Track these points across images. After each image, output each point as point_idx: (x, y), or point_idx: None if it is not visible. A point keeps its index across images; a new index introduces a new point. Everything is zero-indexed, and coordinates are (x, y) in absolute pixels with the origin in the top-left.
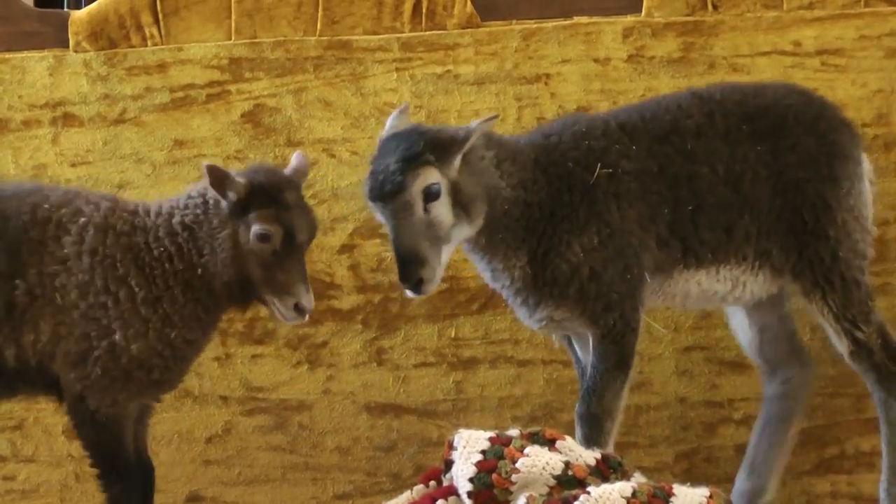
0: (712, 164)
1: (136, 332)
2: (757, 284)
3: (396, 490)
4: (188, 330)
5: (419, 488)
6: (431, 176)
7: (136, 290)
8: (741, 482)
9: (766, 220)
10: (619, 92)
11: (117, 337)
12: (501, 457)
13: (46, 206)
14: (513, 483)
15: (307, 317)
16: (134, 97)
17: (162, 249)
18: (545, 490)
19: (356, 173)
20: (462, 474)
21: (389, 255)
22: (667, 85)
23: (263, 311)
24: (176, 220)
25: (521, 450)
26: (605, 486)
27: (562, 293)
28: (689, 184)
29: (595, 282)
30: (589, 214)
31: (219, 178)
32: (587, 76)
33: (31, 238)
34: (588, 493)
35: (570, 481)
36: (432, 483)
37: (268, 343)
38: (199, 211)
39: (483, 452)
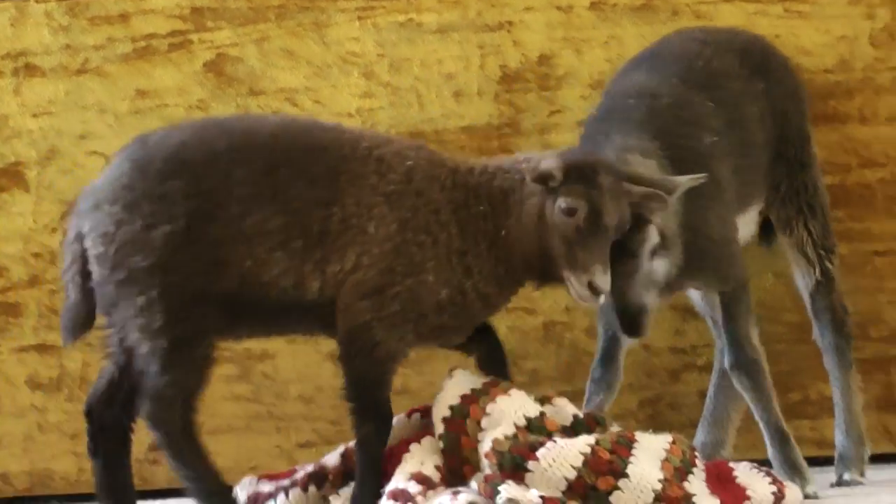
0: (751, 103)
1: (446, 278)
2: (756, 220)
3: None
4: (483, 283)
5: (401, 418)
6: (654, 234)
7: (453, 238)
8: (701, 435)
9: (770, 153)
10: (582, 40)
11: (430, 277)
12: (486, 393)
13: (366, 144)
14: (487, 414)
15: (602, 298)
16: (96, 47)
17: (480, 208)
18: (511, 431)
19: None
20: (445, 400)
21: None
22: (630, 33)
23: None
24: (497, 182)
25: (506, 391)
26: (572, 438)
27: (702, 265)
28: (741, 127)
29: (727, 246)
30: (712, 185)
31: (544, 179)
32: (550, 24)
33: (351, 170)
34: (554, 441)
35: (539, 428)
36: (415, 415)
37: None
38: (516, 177)
39: (473, 390)
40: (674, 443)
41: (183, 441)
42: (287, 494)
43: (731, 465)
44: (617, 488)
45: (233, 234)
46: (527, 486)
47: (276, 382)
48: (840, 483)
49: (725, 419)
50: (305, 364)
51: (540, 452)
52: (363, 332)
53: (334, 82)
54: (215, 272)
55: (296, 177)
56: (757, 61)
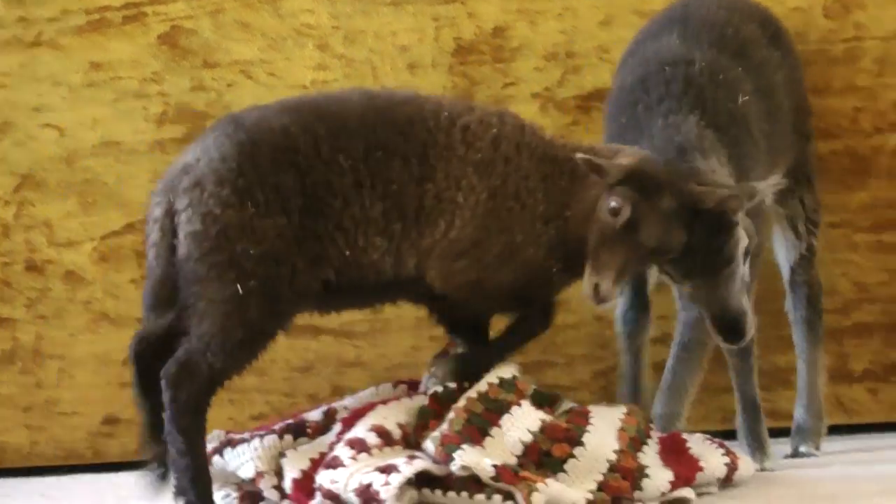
0: (774, 71)
1: (533, 240)
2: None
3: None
4: (557, 260)
5: (386, 386)
6: (743, 235)
7: (539, 203)
8: (658, 407)
9: (792, 120)
10: (536, 11)
11: (518, 238)
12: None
13: (446, 113)
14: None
15: (604, 305)
16: (50, 20)
17: (562, 183)
18: (484, 388)
19: (273, 94)
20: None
21: None
22: (584, 4)
23: None
24: (580, 164)
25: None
26: (516, 410)
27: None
28: (769, 93)
29: (763, 203)
30: (752, 144)
31: (599, 170)
32: None
33: (439, 142)
34: (520, 405)
35: (510, 385)
36: (402, 386)
37: None
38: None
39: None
40: (629, 413)
41: (192, 415)
42: (262, 439)
43: (685, 436)
44: (572, 456)
45: (334, 227)
46: (483, 448)
47: None
48: (795, 455)
49: (683, 392)
50: None
51: (503, 419)
52: (473, 289)
53: (289, 54)
54: (316, 267)
55: (390, 158)
56: (773, 31)
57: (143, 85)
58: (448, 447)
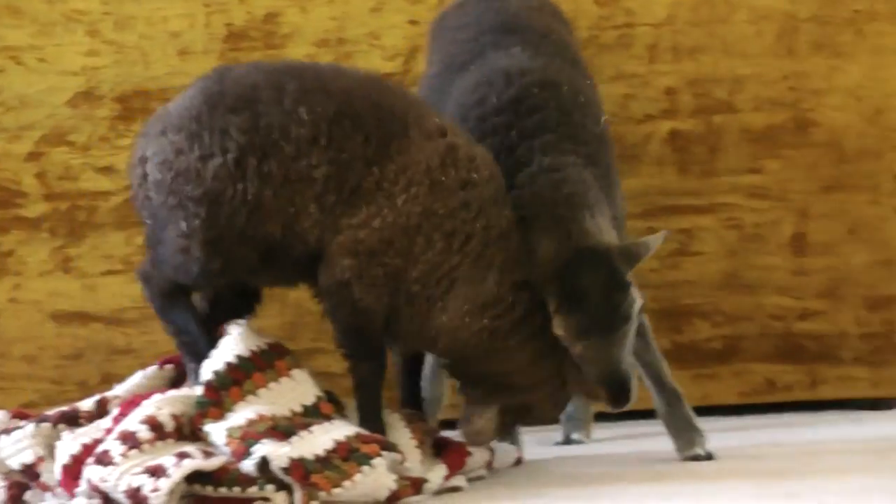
0: (571, 55)
1: (417, 284)
2: None
3: (84, 398)
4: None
5: (153, 369)
6: (636, 294)
7: (456, 272)
8: (426, 392)
9: None
10: None
11: (412, 275)
12: (262, 369)
13: (439, 120)
14: (256, 396)
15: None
16: None
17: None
18: (287, 412)
19: (44, 80)
20: (214, 360)
21: (76, 162)
22: None
23: None
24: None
25: (287, 370)
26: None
27: None
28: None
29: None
30: (610, 169)
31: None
32: None
33: (410, 138)
34: (331, 421)
35: (314, 413)
36: (168, 366)
37: None
38: None
39: (253, 353)
40: (412, 422)
41: (167, 298)
42: (37, 425)
43: None
44: (380, 455)
45: (281, 175)
46: (289, 443)
47: None
48: (567, 442)
49: (443, 375)
50: (28, 324)
51: (314, 427)
52: (342, 289)
53: (59, 40)
54: (258, 214)
55: (355, 131)
56: (563, 17)
57: None
58: (248, 441)
